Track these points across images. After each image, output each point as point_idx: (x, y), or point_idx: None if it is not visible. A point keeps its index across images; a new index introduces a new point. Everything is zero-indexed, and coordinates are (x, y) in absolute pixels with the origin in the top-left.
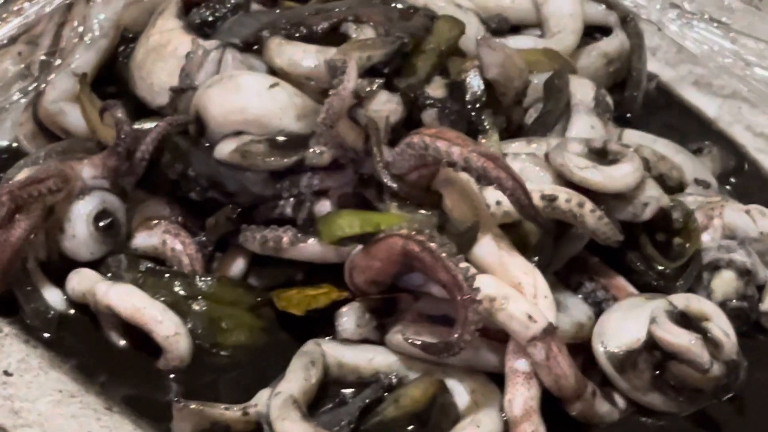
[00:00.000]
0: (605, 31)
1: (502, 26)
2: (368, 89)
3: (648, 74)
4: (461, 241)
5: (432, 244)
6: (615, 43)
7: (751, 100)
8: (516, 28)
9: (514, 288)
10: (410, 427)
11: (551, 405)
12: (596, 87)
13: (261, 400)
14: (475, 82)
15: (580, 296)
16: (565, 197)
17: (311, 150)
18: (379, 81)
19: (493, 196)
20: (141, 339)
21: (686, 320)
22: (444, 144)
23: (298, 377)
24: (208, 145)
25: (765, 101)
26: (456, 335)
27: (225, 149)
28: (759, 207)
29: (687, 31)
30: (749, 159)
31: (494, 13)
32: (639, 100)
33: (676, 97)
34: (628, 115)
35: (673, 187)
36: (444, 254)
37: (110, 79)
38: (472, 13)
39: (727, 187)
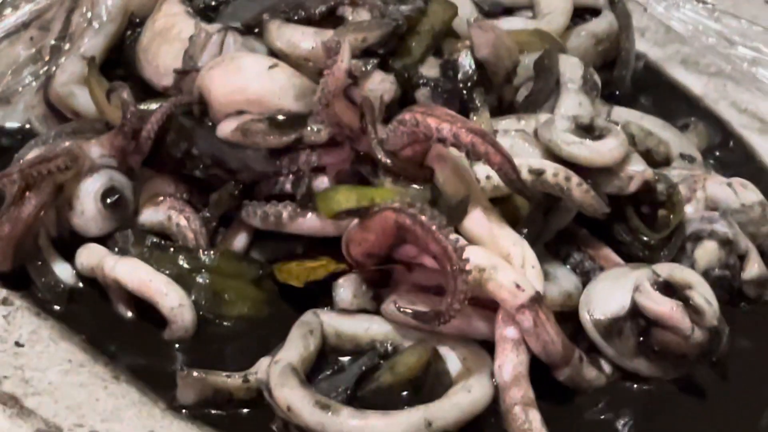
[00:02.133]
0: (595, 12)
1: (494, 8)
2: (363, 69)
3: (636, 54)
4: (452, 214)
5: (423, 217)
6: (604, 23)
7: (735, 78)
8: (509, 10)
9: (503, 258)
10: (405, 393)
11: (540, 371)
12: (584, 66)
13: (261, 367)
14: (466, 62)
15: (568, 267)
16: (553, 171)
17: (309, 128)
18: (374, 61)
19: (483, 170)
20: (147, 311)
21: (669, 288)
22: (434, 121)
23: (296, 346)
24: (210, 124)
25: (749, 79)
26: (446, 304)
27: (227, 128)
28: (740, 180)
29: (674, 11)
30: (734, 134)
31: None
32: (628, 79)
33: (664, 75)
34: (618, 92)
35: (660, 161)
36: (434, 226)
37: (118, 62)
38: None
39: (712, 161)
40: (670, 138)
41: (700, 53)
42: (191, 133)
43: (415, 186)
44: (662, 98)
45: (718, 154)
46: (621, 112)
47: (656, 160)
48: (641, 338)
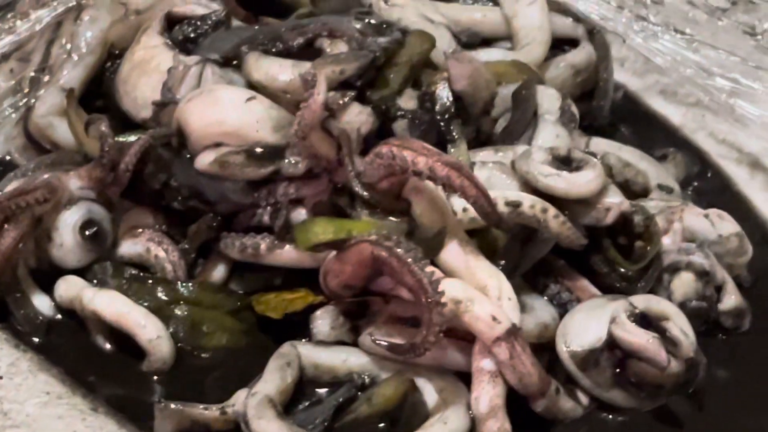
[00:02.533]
0: (573, 43)
1: (472, 39)
2: (340, 102)
3: (615, 84)
4: (429, 246)
5: (399, 250)
6: (582, 54)
7: (713, 109)
8: (487, 41)
9: (479, 291)
10: (382, 425)
11: (517, 402)
12: (562, 97)
13: (239, 399)
14: (444, 94)
15: (545, 298)
16: (529, 203)
17: (287, 160)
18: (351, 93)
19: (459, 203)
20: (126, 342)
21: (646, 320)
22: (410, 154)
23: (274, 378)
24: (189, 156)
25: (727, 109)
26: (421, 337)
27: (205, 160)
28: (718, 211)
29: (652, 42)
30: (712, 165)
31: (466, 26)
32: (606, 110)
33: (643, 105)
34: (596, 123)
35: (638, 192)
36: (410, 259)
37: (98, 94)
38: (443, 27)
39: (690, 191)
40: (648, 169)
41: (678, 84)
42: (170, 165)
43: (391, 218)
44: (641, 129)
45: (696, 184)
46: (599, 143)
47: (634, 190)
48: (618, 369)
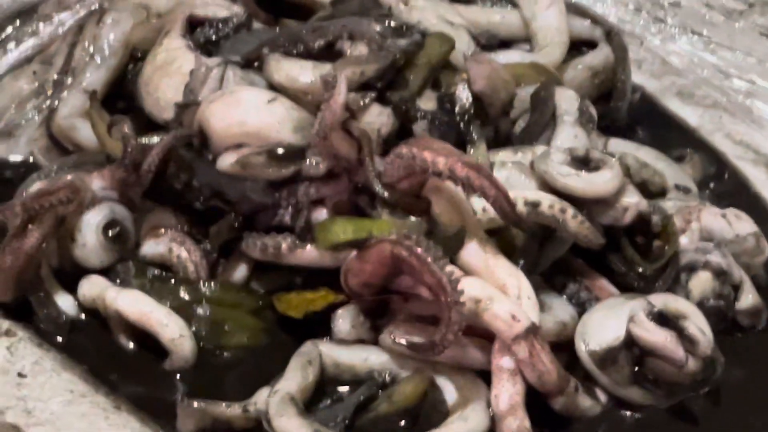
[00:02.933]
0: (591, 45)
1: (491, 41)
2: (361, 103)
3: (633, 86)
4: (448, 245)
5: (419, 249)
6: (600, 56)
7: (730, 110)
8: (506, 43)
9: (499, 289)
10: (402, 422)
11: (536, 400)
12: (580, 98)
13: (260, 397)
14: (463, 95)
15: (564, 297)
16: (548, 203)
17: (308, 161)
18: (371, 95)
19: (479, 203)
20: (148, 341)
21: (664, 319)
22: (430, 154)
23: (295, 376)
24: (211, 157)
25: (743, 111)
26: (440, 335)
27: (227, 161)
28: (735, 210)
29: (670, 44)
30: (729, 165)
31: (485, 29)
32: (624, 111)
33: (660, 107)
34: (614, 124)
35: (655, 192)
36: (430, 258)
37: (120, 96)
38: (463, 30)
39: (707, 192)
40: (666, 169)
41: (695, 85)
42: (191, 165)
43: (411, 218)
44: (658, 130)
45: (713, 185)
46: (617, 144)
47: (652, 191)
48: (636, 367)
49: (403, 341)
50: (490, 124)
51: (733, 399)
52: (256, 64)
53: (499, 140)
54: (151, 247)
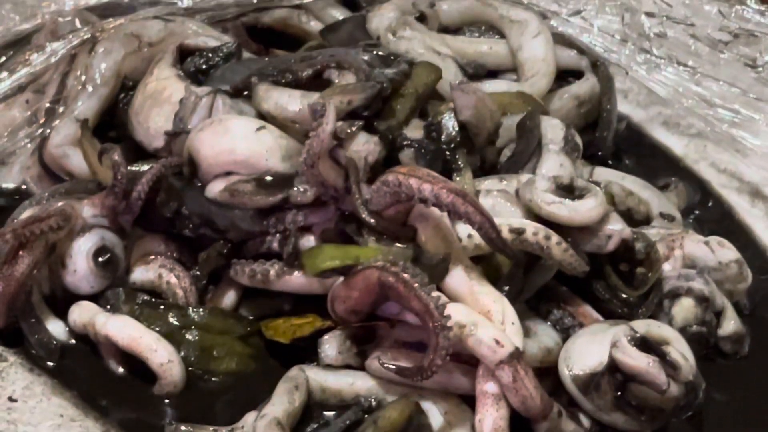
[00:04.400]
0: (577, 75)
1: (478, 71)
2: (348, 131)
3: (619, 115)
4: (434, 272)
5: (405, 275)
6: (586, 86)
7: (715, 139)
8: (493, 73)
9: (483, 315)
10: None
11: (520, 425)
12: (566, 127)
13: (247, 422)
14: (449, 124)
15: (548, 323)
16: (533, 230)
17: (296, 188)
18: (358, 123)
19: (464, 230)
20: (138, 367)
21: (647, 344)
22: (416, 181)
23: (282, 401)
24: (200, 185)
25: (728, 140)
26: (428, 360)
27: (215, 188)
28: (718, 238)
29: (655, 74)
30: (713, 194)
31: (472, 58)
32: (610, 140)
33: (646, 136)
34: (600, 153)
35: (640, 220)
36: (416, 284)
37: (111, 125)
38: (450, 59)
39: (691, 220)
40: (651, 197)
41: (680, 115)
42: (181, 193)
43: (398, 245)
44: (644, 159)
45: (697, 212)
46: (603, 173)
47: (637, 219)
48: (619, 393)
49: (390, 366)
50: (476, 152)
51: (715, 424)
52: (245, 93)
53: (485, 168)
54: (141, 274)
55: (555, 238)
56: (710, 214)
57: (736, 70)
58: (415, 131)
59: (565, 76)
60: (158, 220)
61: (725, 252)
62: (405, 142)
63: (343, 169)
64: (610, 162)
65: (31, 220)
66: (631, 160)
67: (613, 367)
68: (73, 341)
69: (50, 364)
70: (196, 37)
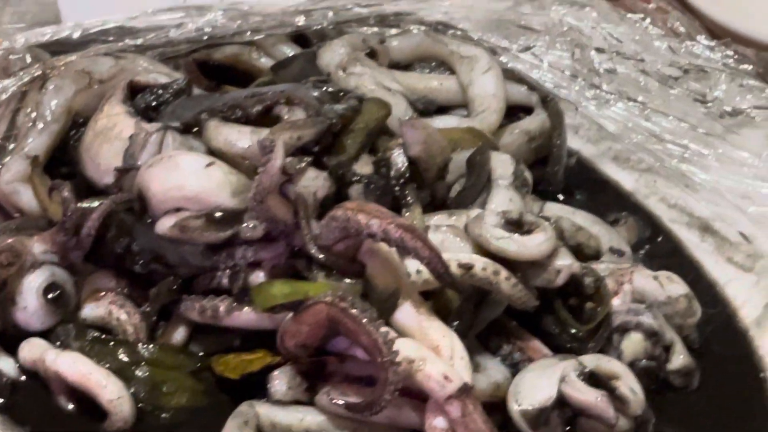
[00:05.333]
0: (528, 110)
1: (429, 107)
2: (297, 167)
3: (569, 150)
4: (383, 307)
5: (354, 310)
6: (536, 121)
7: (665, 174)
8: (444, 108)
9: (432, 350)
10: None
11: None
12: (516, 163)
13: None
14: (399, 159)
15: (498, 358)
16: (482, 265)
17: (245, 224)
18: (308, 159)
19: (413, 265)
20: (88, 403)
21: (595, 379)
22: (364, 217)
23: None
24: (150, 220)
25: (677, 175)
26: (377, 395)
27: (165, 224)
28: (667, 273)
29: (605, 109)
30: (663, 229)
31: (422, 94)
32: (560, 175)
33: (596, 171)
34: (551, 188)
35: (590, 255)
36: (365, 319)
37: (62, 161)
38: (400, 95)
39: (641, 254)
40: (601, 233)
41: (631, 150)
42: (131, 229)
43: (347, 280)
44: (594, 194)
45: (648, 247)
46: (553, 208)
47: (586, 253)
48: (568, 427)
49: (340, 401)
50: (425, 188)
51: None
52: (195, 129)
53: (435, 204)
54: (91, 310)
55: (504, 273)
56: (660, 248)
57: (686, 105)
58: (364, 167)
59: (515, 111)
60: (108, 256)
61: (674, 287)
62: (354, 178)
63: (293, 204)
64: (560, 197)
65: None
66: (581, 195)
67: (562, 401)
68: (24, 378)
69: (0, 400)
70: (146, 74)
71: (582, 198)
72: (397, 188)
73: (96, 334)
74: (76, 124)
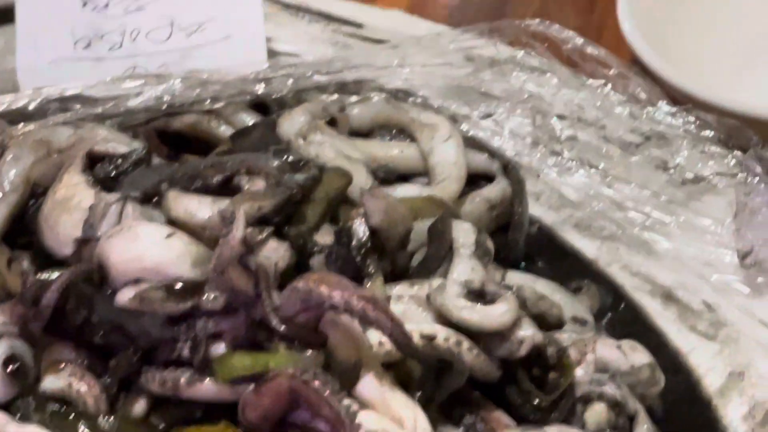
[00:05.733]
0: (489, 178)
1: (389, 175)
2: (258, 237)
3: (531, 218)
4: (345, 378)
5: (316, 383)
6: (497, 189)
7: (627, 242)
8: (405, 177)
9: (395, 422)
10: None
11: None
12: (477, 231)
13: None
14: (360, 229)
15: (461, 428)
16: (444, 336)
17: (206, 295)
18: (269, 229)
19: (375, 336)
20: None
21: None
22: (326, 288)
23: None
24: (110, 291)
25: (639, 242)
26: None
27: (125, 296)
28: (630, 342)
29: (567, 177)
30: (625, 297)
31: (383, 163)
32: (522, 243)
33: (558, 239)
34: (512, 256)
35: (552, 324)
36: (327, 392)
37: (21, 231)
38: (360, 164)
39: (604, 323)
40: (563, 301)
41: (592, 217)
42: (91, 300)
43: (309, 351)
44: (556, 262)
45: (610, 315)
46: (515, 276)
47: (549, 322)
48: None
49: None
50: (387, 257)
51: None
52: (155, 199)
53: (397, 273)
54: (51, 382)
55: (466, 343)
56: (622, 317)
57: (647, 172)
58: (325, 237)
59: (476, 179)
60: (68, 327)
61: (637, 356)
62: (315, 248)
63: (254, 275)
64: (522, 265)
65: None
66: (543, 262)
67: None
68: None
69: None
70: (105, 143)
71: (544, 266)
72: (358, 258)
73: (56, 406)
74: (34, 193)
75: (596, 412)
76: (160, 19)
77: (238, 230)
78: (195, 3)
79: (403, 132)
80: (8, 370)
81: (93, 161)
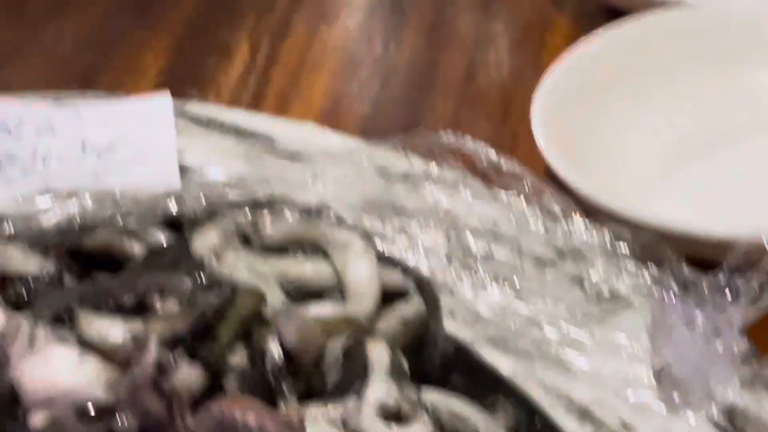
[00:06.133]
0: (403, 295)
1: (303, 294)
2: (171, 359)
3: (445, 335)
4: None
5: None
6: (412, 307)
7: (542, 359)
8: (319, 294)
9: None
10: None
11: None
12: (392, 350)
13: None
14: (273, 350)
15: None
16: None
17: (118, 419)
18: (181, 351)
19: None
20: None
21: None
22: (240, 412)
23: None
24: (21, 415)
25: (555, 360)
26: None
27: (36, 420)
28: None
29: (481, 293)
30: (541, 414)
31: (296, 280)
32: (436, 360)
33: (473, 355)
34: (427, 374)
35: None
36: None
37: None
38: (274, 282)
39: None
40: (478, 419)
41: (507, 334)
42: (3, 424)
43: None
44: (472, 378)
45: None
46: (430, 395)
47: None
48: None
49: None
50: (301, 378)
51: None
52: (67, 320)
53: (312, 393)
54: None
55: None
56: None
57: (561, 287)
58: (239, 358)
59: (391, 296)
60: None
61: None
62: (228, 369)
63: (166, 398)
64: (437, 383)
65: None
66: (458, 380)
67: None
68: None
69: None
70: (16, 264)
71: (459, 382)
72: (272, 379)
73: None
74: None
75: None
76: (71, 141)
77: (151, 354)
78: (106, 123)
79: (317, 249)
80: None
81: (3, 283)
